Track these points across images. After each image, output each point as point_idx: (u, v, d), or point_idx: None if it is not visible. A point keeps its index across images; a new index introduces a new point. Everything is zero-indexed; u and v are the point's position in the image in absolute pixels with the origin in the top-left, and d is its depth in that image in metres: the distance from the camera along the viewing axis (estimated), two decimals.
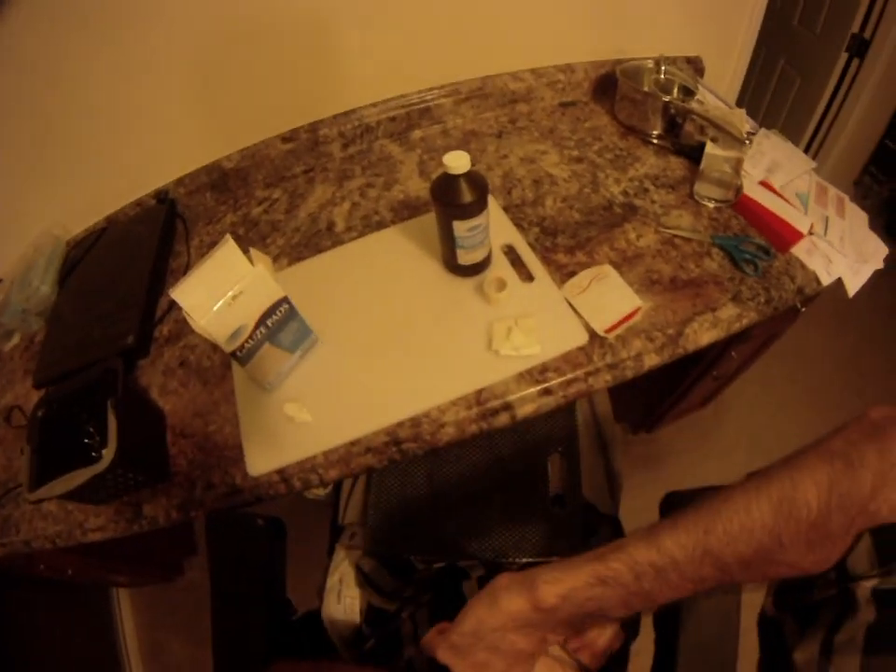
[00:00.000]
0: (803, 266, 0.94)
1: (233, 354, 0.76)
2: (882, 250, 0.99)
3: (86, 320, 1.03)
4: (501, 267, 0.95)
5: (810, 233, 0.97)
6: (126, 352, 0.94)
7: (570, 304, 0.89)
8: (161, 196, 1.21)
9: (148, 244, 1.11)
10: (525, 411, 0.82)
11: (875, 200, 2.31)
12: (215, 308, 0.71)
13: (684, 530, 0.41)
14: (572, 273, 0.94)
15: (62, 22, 0.92)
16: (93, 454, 0.74)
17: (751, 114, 1.14)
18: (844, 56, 1.89)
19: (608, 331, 0.85)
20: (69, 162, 1.10)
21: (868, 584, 0.35)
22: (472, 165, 0.78)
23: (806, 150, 2.20)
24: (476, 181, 0.80)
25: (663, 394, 1.54)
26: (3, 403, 1.00)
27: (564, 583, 0.44)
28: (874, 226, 1.02)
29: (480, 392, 0.82)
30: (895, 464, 0.35)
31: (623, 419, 1.93)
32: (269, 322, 0.78)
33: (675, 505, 0.70)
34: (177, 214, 1.21)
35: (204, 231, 1.19)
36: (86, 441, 0.81)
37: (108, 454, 0.72)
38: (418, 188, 1.15)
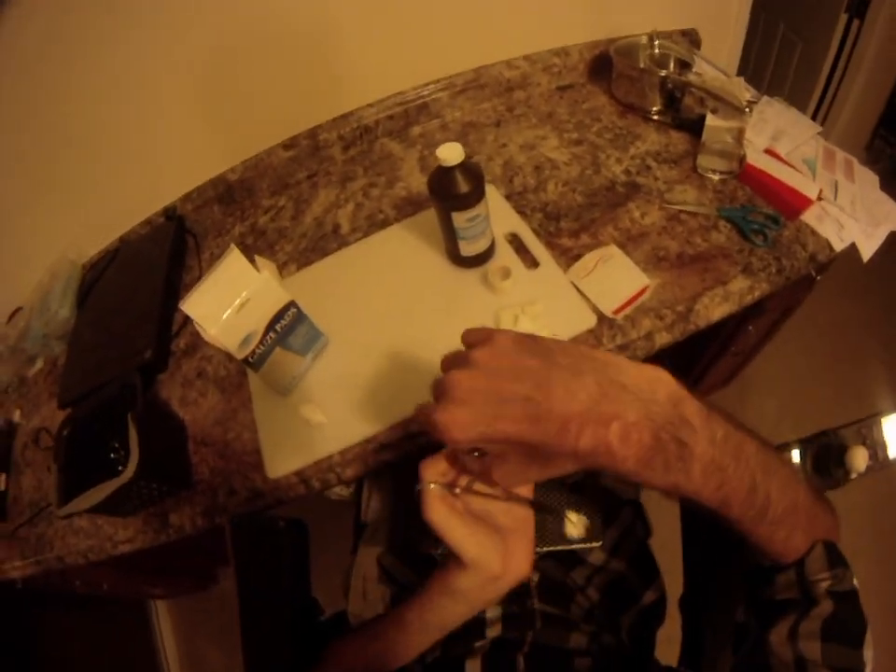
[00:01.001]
0: (814, 233, 0.93)
1: (245, 360, 0.77)
2: None
3: (105, 339, 1.05)
4: (506, 255, 0.95)
5: (819, 199, 0.96)
6: (144, 367, 0.96)
7: (577, 288, 0.89)
8: (170, 213, 1.23)
9: (160, 260, 1.13)
10: None
11: (887, 163, 2.26)
12: (224, 316, 0.72)
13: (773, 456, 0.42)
14: (577, 257, 0.93)
15: (61, 40, 0.93)
16: (119, 467, 0.76)
17: (755, 82, 1.12)
18: (844, 17, 1.85)
19: (616, 312, 0.85)
20: (78, 187, 1.13)
21: (823, 585, 0.41)
22: (471, 157, 0.78)
23: (814, 116, 2.16)
24: (471, 171, 0.80)
25: (682, 373, 1.51)
26: (31, 427, 1.03)
27: (708, 413, 0.38)
28: (888, 189, 1.00)
29: None
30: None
31: None
32: (278, 327, 0.79)
33: None
34: (187, 229, 1.23)
35: (214, 243, 1.21)
36: (111, 455, 0.83)
37: (131, 465, 0.75)
38: (420, 183, 1.15)
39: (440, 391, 0.38)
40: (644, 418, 0.34)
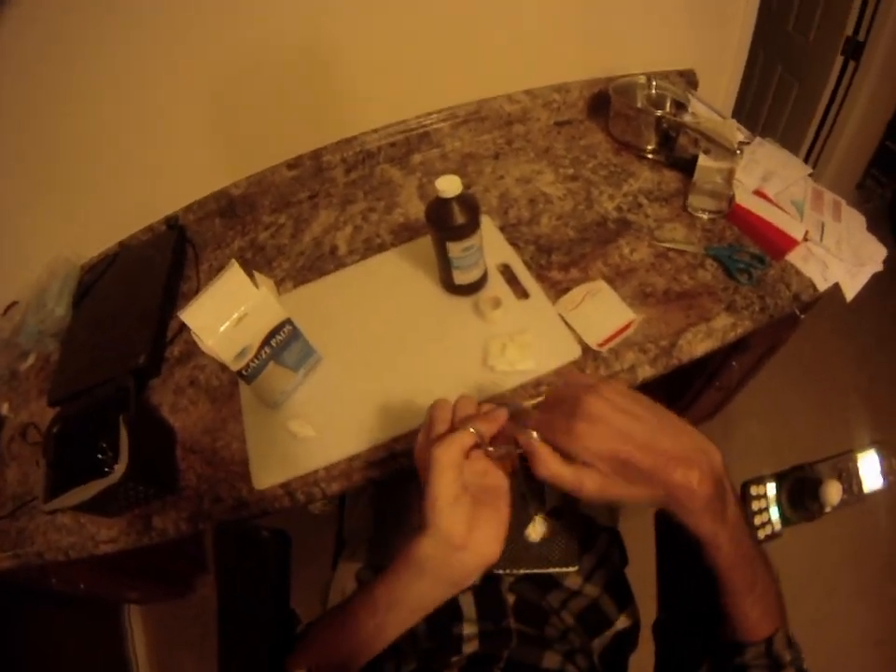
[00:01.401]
0: (798, 273, 0.95)
1: (239, 373, 0.79)
2: (881, 252, 0.99)
3: (99, 341, 1.07)
4: (497, 285, 0.98)
5: (805, 240, 0.97)
6: (138, 371, 0.98)
7: (564, 320, 0.91)
8: (172, 222, 1.26)
9: (159, 268, 1.15)
10: None
11: (878, 202, 2.30)
12: (221, 329, 0.74)
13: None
14: (566, 290, 0.96)
15: (72, 42, 0.95)
16: (106, 469, 0.77)
17: (751, 122, 1.13)
18: (839, 59, 1.89)
19: (601, 345, 0.87)
20: (83, 189, 1.15)
21: (787, 658, 0.48)
22: (469, 187, 0.81)
23: (808, 155, 2.20)
24: (468, 203, 0.83)
25: (667, 406, 1.52)
26: (19, 421, 1.04)
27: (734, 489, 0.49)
28: (878, 229, 1.02)
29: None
30: None
31: None
32: (273, 342, 0.81)
33: (669, 517, 0.71)
34: (187, 239, 1.25)
35: (213, 255, 1.23)
36: (99, 456, 0.84)
37: (120, 467, 0.76)
38: (418, 210, 1.18)
39: (568, 409, 0.46)
40: (711, 472, 0.44)
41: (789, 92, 2.17)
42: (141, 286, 1.14)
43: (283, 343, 0.83)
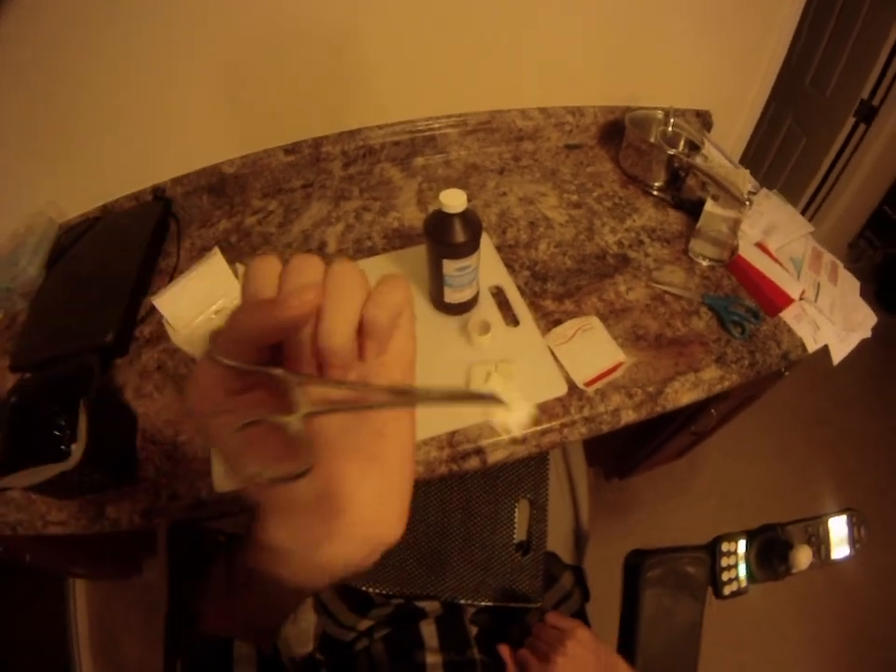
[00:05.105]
0: (790, 331, 0.95)
1: None
2: (870, 319, 1.00)
3: (69, 309, 1.01)
4: (488, 308, 0.95)
5: (801, 298, 0.98)
6: (104, 349, 0.93)
7: (553, 353, 0.89)
8: (159, 192, 1.20)
9: (140, 239, 1.09)
10: (496, 457, 0.81)
11: (867, 264, 2.35)
12: (196, 321, 0.71)
13: None
14: (558, 322, 0.94)
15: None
16: (62, 447, 0.73)
17: (754, 169, 1.14)
18: (851, 120, 1.93)
19: (588, 384, 0.85)
20: (72, 144, 1.09)
21: None
22: (469, 201, 0.77)
23: (805, 209, 2.24)
24: (471, 221, 0.79)
25: (639, 444, 1.54)
26: None
27: None
28: (864, 292, 1.03)
29: (453, 434, 0.81)
30: None
31: (596, 464, 1.92)
32: None
33: (639, 565, 0.70)
34: (172, 213, 1.20)
35: (197, 234, 1.17)
36: (56, 433, 0.79)
37: (77, 452, 0.71)
38: (413, 217, 1.14)
39: (551, 650, 0.64)
40: None
41: (795, 145, 2.21)
42: (119, 255, 1.08)
43: None
